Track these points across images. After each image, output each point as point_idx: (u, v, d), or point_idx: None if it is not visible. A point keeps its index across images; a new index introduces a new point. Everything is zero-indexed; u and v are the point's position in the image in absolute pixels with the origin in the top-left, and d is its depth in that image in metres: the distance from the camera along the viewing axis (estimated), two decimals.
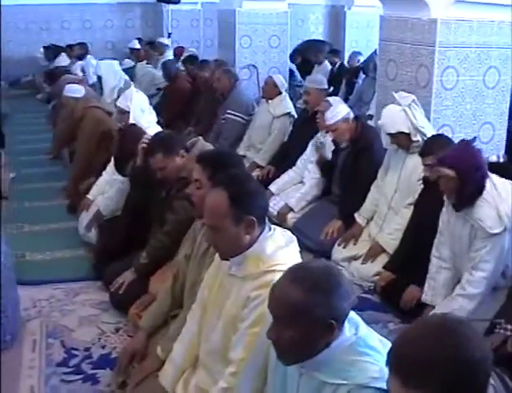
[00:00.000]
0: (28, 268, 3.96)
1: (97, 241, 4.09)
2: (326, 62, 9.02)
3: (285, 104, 5.55)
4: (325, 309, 1.57)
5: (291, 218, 4.58)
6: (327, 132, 4.41)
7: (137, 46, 9.65)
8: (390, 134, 3.77)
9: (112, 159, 4.29)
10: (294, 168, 4.94)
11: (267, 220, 2.08)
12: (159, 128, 4.22)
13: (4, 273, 2.99)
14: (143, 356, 2.63)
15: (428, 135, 3.64)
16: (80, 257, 4.18)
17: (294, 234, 2.11)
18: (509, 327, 2.76)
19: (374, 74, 5.73)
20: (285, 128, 5.50)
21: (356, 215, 4.14)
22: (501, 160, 4.10)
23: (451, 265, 3.17)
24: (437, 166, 3.00)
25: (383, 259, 3.78)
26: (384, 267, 3.68)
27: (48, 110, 8.77)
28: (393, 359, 1.28)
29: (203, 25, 11.23)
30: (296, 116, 5.53)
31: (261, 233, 2.02)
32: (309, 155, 4.82)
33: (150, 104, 4.85)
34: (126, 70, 7.53)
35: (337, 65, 8.87)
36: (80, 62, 8.48)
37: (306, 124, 5.02)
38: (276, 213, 4.65)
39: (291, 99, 5.89)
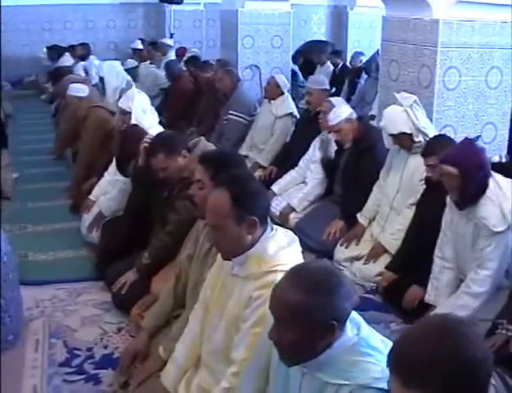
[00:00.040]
0: (31, 268, 3.96)
1: (100, 241, 4.10)
2: (329, 63, 9.03)
3: (287, 104, 5.56)
4: (326, 309, 1.57)
5: (293, 218, 4.58)
6: (329, 132, 4.41)
7: (140, 46, 9.65)
8: (392, 135, 3.77)
9: (114, 159, 4.30)
10: (296, 168, 4.95)
11: (269, 220, 2.08)
12: (160, 129, 4.21)
13: (7, 273, 2.99)
14: (145, 356, 2.64)
15: (430, 135, 3.63)
16: (83, 257, 4.19)
17: (296, 234, 2.11)
18: (510, 327, 2.76)
19: (376, 74, 5.73)
20: (287, 129, 5.51)
21: (358, 215, 4.14)
22: (504, 160, 4.09)
23: (454, 265, 3.17)
24: (440, 164, 3.01)
25: (385, 260, 3.78)
26: (386, 267, 3.68)
27: (51, 110, 8.79)
28: (394, 360, 1.28)
29: (205, 26, 11.23)
30: (298, 117, 5.53)
31: (263, 233, 2.03)
32: (311, 155, 4.82)
33: (153, 104, 4.86)
34: (129, 70, 7.54)
35: (339, 66, 8.88)
36: (82, 63, 8.48)
37: (308, 125, 5.02)
38: (278, 213, 4.65)
39: (293, 99, 5.90)
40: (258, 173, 5.25)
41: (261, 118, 5.69)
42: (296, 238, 2.09)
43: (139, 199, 3.68)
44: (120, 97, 4.85)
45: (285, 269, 1.74)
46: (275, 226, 2.10)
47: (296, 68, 8.84)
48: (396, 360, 1.28)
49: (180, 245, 3.13)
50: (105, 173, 4.47)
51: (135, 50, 9.64)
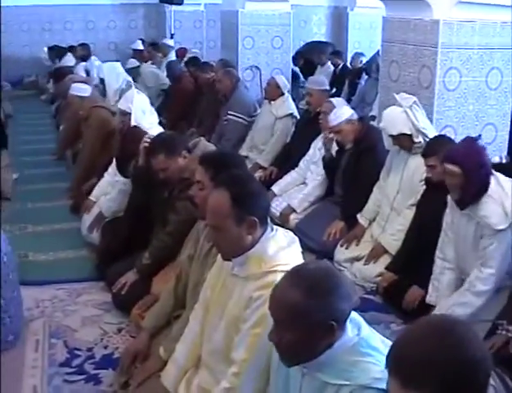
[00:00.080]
0: (31, 268, 3.97)
1: (100, 241, 4.10)
2: (329, 63, 9.04)
3: (287, 105, 5.56)
4: (325, 310, 1.57)
5: (294, 219, 4.58)
6: (330, 132, 4.41)
7: (140, 47, 9.65)
8: (392, 136, 3.77)
9: (114, 160, 4.30)
10: (296, 169, 4.95)
11: (269, 221, 2.08)
12: (160, 129, 4.22)
13: (7, 274, 2.99)
14: (145, 356, 2.64)
15: (430, 136, 3.64)
16: (83, 258, 4.19)
17: (296, 235, 2.11)
18: (510, 328, 2.76)
19: (376, 75, 5.73)
20: (287, 129, 5.51)
21: (358, 216, 4.14)
22: (504, 161, 4.09)
23: (454, 266, 3.17)
24: (442, 163, 3.01)
25: (385, 260, 3.78)
26: (387, 268, 3.68)
27: (51, 110, 8.79)
28: (393, 361, 1.28)
29: (206, 26, 11.23)
30: (298, 117, 5.53)
31: (263, 234, 2.03)
32: (312, 156, 4.82)
33: (154, 105, 4.85)
34: (131, 70, 7.53)
35: (340, 67, 8.89)
36: (83, 63, 8.48)
37: (308, 125, 5.03)
38: (278, 214, 4.65)
39: (294, 100, 5.90)
40: (258, 174, 5.25)
41: (261, 118, 5.69)
42: (296, 239, 2.09)
43: (139, 199, 3.69)
44: (120, 98, 4.86)
45: (285, 270, 1.74)
46: (275, 226, 2.10)
47: (296, 69, 8.85)
48: (394, 361, 1.27)
49: (180, 245, 3.13)
50: (105, 174, 4.47)
51: (135, 50, 9.63)
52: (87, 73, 7.93)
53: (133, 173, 3.82)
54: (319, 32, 11.72)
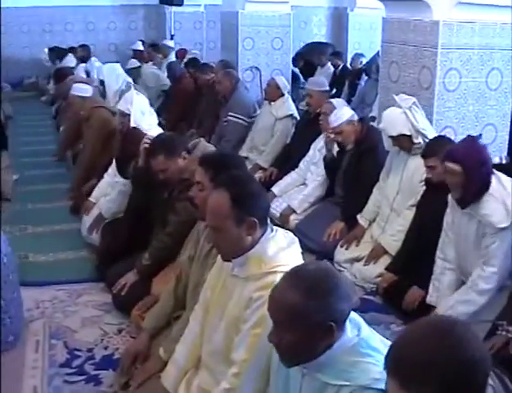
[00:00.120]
0: (31, 269, 3.97)
1: (100, 242, 4.10)
2: (329, 64, 9.04)
3: (287, 106, 5.56)
4: (324, 311, 1.57)
5: (294, 219, 4.58)
6: (331, 133, 4.41)
7: (140, 48, 9.65)
8: (391, 137, 3.78)
9: (114, 161, 4.30)
10: (296, 170, 4.95)
11: (268, 221, 2.08)
12: (159, 130, 4.22)
13: (7, 274, 3.00)
14: (146, 357, 2.64)
15: (430, 137, 3.64)
16: (83, 258, 4.19)
17: (296, 236, 2.12)
18: (510, 328, 2.76)
19: (376, 75, 5.73)
20: (287, 130, 5.51)
21: (358, 217, 4.14)
22: (504, 161, 4.09)
23: (455, 266, 3.17)
24: (443, 161, 3.01)
25: (385, 261, 3.78)
26: (387, 268, 3.68)
27: (52, 112, 8.79)
28: (391, 362, 1.28)
29: (206, 27, 11.23)
30: (298, 118, 5.54)
31: (263, 235, 2.03)
32: (312, 156, 4.82)
33: (152, 105, 4.85)
34: (131, 70, 7.53)
35: (340, 67, 8.89)
36: (83, 64, 8.49)
37: (308, 126, 5.03)
38: (278, 215, 4.66)
39: (294, 101, 5.90)
40: (258, 175, 5.25)
41: (261, 119, 5.69)
42: (296, 239, 2.09)
43: (139, 200, 3.69)
44: (120, 99, 4.86)
45: (285, 270, 1.74)
46: (275, 227, 2.10)
47: (296, 70, 8.85)
48: (393, 362, 1.27)
49: (180, 246, 3.14)
50: (105, 175, 4.47)
51: (135, 51, 9.64)
52: (88, 74, 7.93)
53: (133, 174, 3.82)
54: (319, 33, 11.72)
